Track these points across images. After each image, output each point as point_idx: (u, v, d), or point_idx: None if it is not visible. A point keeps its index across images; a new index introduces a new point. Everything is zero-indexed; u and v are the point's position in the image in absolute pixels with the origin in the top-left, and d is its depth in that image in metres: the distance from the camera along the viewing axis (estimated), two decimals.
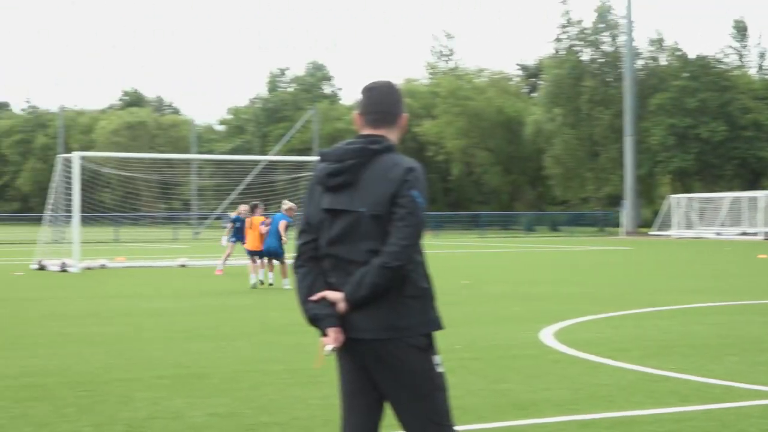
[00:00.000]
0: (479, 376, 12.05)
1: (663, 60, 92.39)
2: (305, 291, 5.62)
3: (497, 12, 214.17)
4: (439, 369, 5.57)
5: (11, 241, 62.24)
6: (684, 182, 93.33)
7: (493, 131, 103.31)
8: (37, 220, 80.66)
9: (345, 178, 5.54)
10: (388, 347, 5.44)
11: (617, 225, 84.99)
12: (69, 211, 38.35)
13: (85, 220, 47.85)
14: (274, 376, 12.07)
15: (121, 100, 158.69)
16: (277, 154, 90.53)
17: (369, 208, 5.46)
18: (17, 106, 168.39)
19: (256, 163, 57.49)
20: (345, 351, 5.61)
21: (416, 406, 5.50)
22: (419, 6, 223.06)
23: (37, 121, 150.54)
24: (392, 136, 5.72)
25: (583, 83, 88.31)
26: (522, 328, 16.92)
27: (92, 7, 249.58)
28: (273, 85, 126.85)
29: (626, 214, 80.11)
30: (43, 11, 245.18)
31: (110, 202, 74.89)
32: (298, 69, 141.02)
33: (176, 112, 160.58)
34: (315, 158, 36.05)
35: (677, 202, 76.16)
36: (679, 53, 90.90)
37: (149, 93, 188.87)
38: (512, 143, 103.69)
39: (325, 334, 5.50)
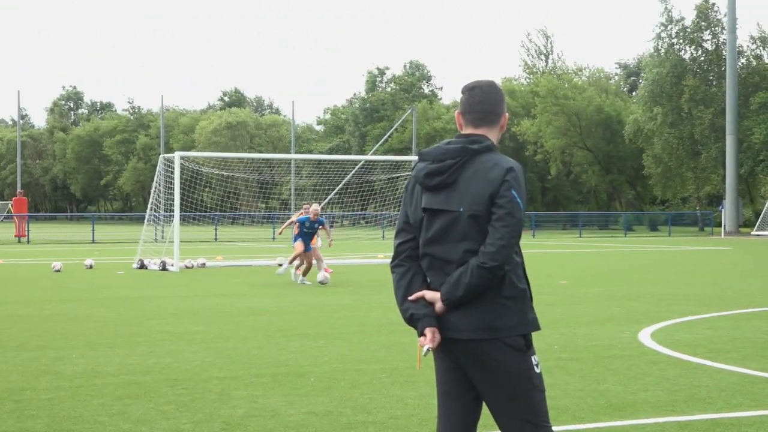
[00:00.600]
0: (577, 376, 11.99)
1: (766, 58, 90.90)
2: (403, 291, 5.62)
3: (596, 10, 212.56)
4: (537, 369, 5.54)
5: (113, 240, 63.17)
6: None
7: (592, 130, 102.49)
8: (139, 219, 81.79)
9: (444, 178, 5.54)
10: (485, 347, 5.43)
11: (718, 225, 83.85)
12: (169, 210, 38.82)
13: (185, 220, 48.43)
14: (372, 375, 12.10)
15: (221, 100, 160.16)
16: (376, 153, 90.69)
17: (467, 207, 5.45)
18: (120, 107, 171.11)
19: (354, 162, 57.60)
20: (442, 351, 5.60)
21: (513, 406, 5.48)
22: (519, 4, 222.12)
23: (139, 121, 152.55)
24: (492, 135, 5.70)
25: (684, 82, 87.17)
26: (620, 328, 16.79)
27: (194, 9, 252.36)
28: (372, 85, 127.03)
29: (726, 213, 78.93)
30: (145, 13, 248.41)
31: (210, 202, 75.69)
32: (397, 68, 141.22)
33: (276, 112, 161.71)
34: (413, 158, 35.91)
35: None
36: None
37: (249, 93, 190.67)
38: (611, 142, 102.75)
39: (422, 334, 5.49)
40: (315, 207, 28.33)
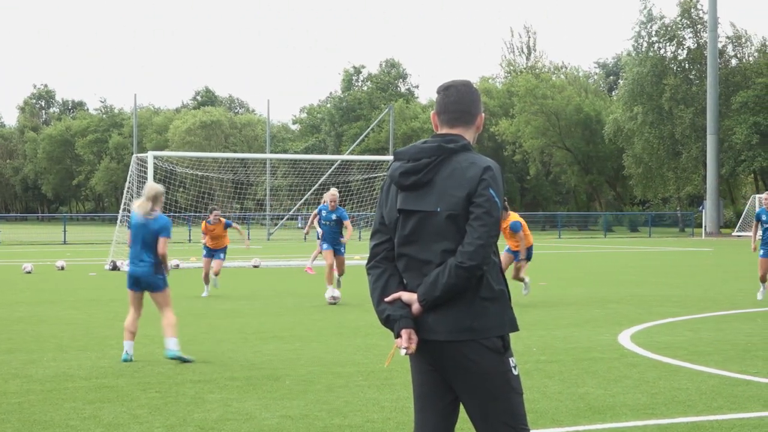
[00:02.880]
0: (556, 379, 11.90)
1: (748, 57, 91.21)
2: (379, 292, 5.56)
3: (574, 9, 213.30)
4: (515, 372, 5.49)
5: (86, 241, 62.98)
6: (767, 181, 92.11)
7: (571, 130, 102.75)
8: (111, 220, 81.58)
9: (420, 177, 5.49)
10: (462, 349, 5.37)
11: (698, 226, 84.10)
12: None
13: None
14: (348, 378, 11.99)
15: (194, 99, 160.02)
16: (352, 153, 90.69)
17: (445, 207, 5.40)
18: (92, 106, 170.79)
19: (330, 162, 57.57)
20: (419, 353, 5.53)
21: (491, 409, 5.43)
22: (494, 4, 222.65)
23: (112, 120, 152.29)
24: (469, 135, 5.66)
25: (664, 81, 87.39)
26: (600, 330, 16.73)
27: (167, 8, 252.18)
28: (348, 84, 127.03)
29: (707, 214, 79.16)
30: (117, 11, 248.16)
31: (184, 202, 75.42)
32: (373, 67, 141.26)
33: (250, 111, 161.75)
34: (390, 158, 35.59)
35: (761, 202, 75.10)
36: (765, 49, 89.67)
37: (224, 92, 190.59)
38: (591, 142, 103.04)
39: (399, 336, 5.43)
40: (332, 192, 23.42)
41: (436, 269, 5.37)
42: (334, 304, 21.67)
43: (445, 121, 5.67)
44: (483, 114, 5.77)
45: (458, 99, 5.67)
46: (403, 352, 5.40)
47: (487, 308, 5.40)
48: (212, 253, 25.41)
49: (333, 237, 22.76)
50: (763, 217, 21.77)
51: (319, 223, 23.33)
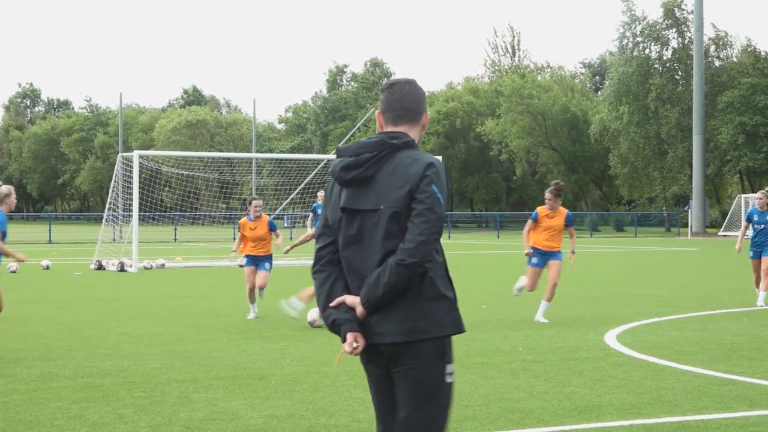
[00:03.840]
0: (542, 378, 11.90)
1: (733, 57, 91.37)
2: (324, 297, 5.53)
3: (559, 8, 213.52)
4: (449, 379, 5.50)
5: (71, 241, 62.83)
6: (753, 181, 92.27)
7: (557, 130, 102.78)
8: (96, 219, 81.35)
9: (361, 172, 5.44)
10: (406, 350, 5.36)
11: (684, 225, 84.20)
12: (128, 210, 38.60)
13: (144, 220, 48.18)
14: (334, 377, 11.97)
15: (181, 98, 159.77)
16: None
17: (387, 205, 5.37)
18: (77, 105, 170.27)
19: (316, 162, 57.44)
20: (371, 362, 5.54)
21: (417, 411, 5.40)
22: (478, 3, 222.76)
23: (97, 119, 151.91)
24: (413, 133, 5.63)
25: (650, 81, 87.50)
26: (586, 330, 16.74)
27: (153, 6, 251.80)
28: (333, 84, 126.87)
29: (693, 214, 79.27)
30: (104, 10, 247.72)
31: (169, 201, 75.32)
32: (357, 66, 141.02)
33: (236, 110, 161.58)
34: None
35: (746, 202, 75.23)
36: (750, 50, 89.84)
37: (211, 91, 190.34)
38: (577, 142, 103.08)
39: (345, 340, 5.41)
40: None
41: (377, 269, 5.34)
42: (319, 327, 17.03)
43: (390, 119, 5.63)
44: (428, 113, 5.75)
45: (402, 97, 5.63)
46: (348, 350, 5.40)
47: (431, 308, 5.37)
48: (255, 261, 19.54)
49: None
50: (755, 218, 21.68)
51: (314, 223, 21.59)
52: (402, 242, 5.30)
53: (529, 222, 18.82)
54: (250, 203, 19.76)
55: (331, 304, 5.47)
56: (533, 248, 18.59)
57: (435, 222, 5.31)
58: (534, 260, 18.62)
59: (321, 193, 30.33)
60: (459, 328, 5.52)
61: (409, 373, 5.38)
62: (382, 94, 5.72)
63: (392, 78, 5.78)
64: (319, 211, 28.81)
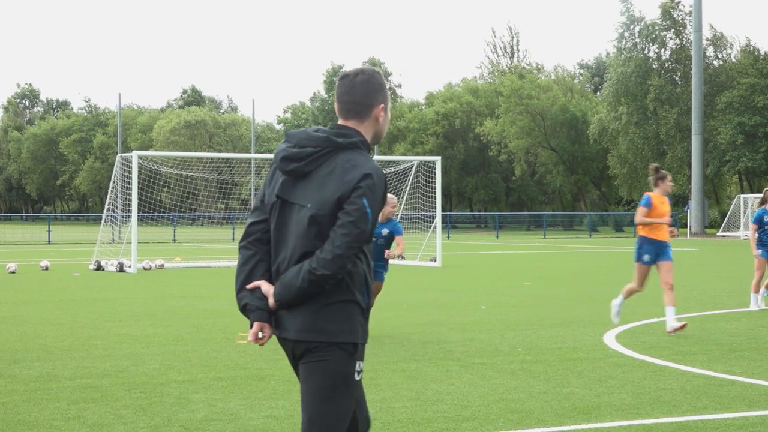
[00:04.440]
0: (541, 379, 11.89)
1: (732, 57, 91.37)
2: (243, 277, 5.52)
3: (558, 9, 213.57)
4: (357, 377, 5.45)
5: (70, 241, 62.73)
6: (752, 182, 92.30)
7: (556, 130, 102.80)
8: (95, 220, 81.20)
9: (300, 166, 5.38)
10: (312, 349, 5.35)
11: (683, 226, 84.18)
12: (127, 210, 38.57)
13: (143, 220, 48.15)
14: None
15: (180, 98, 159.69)
16: None
17: (314, 205, 5.30)
18: (76, 105, 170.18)
19: None
20: (285, 351, 5.55)
21: (317, 405, 5.37)
22: (477, 4, 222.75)
23: (96, 120, 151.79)
24: (364, 129, 5.51)
25: (648, 81, 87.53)
26: (585, 330, 16.72)
27: (152, 6, 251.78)
28: (330, 84, 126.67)
29: (692, 214, 79.24)
30: (104, 10, 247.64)
31: (168, 202, 75.25)
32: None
33: (234, 109, 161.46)
34: (376, 157, 34.94)
35: (745, 202, 75.24)
36: (749, 50, 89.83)
37: (208, 91, 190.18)
38: (576, 142, 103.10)
39: (252, 327, 5.45)
40: (390, 197, 16.30)
41: (293, 268, 5.31)
42: None
43: (339, 111, 5.53)
44: (384, 106, 5.56)
45: (350, 90, 5.50)
46: (252, 342, 5.46)
47: (339, 312, 5.34)
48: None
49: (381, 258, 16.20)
50: (766, 218, 21.30)
51: None
52: (320, 249, 5.25)
53: (644, 210, 16.70)
54: None
55: (248, 287, 5.47)
56: (645, 239, 16.80)
57: (357, 236, 5.22)
58: (646, 257, 16.99)
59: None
60: (361, 338, 5.44)
61: (315, 372, 5.35)
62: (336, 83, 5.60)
63: (349, 68, 5.60)
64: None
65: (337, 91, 5.54)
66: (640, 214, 16.64)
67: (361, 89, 5.48)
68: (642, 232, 16.85)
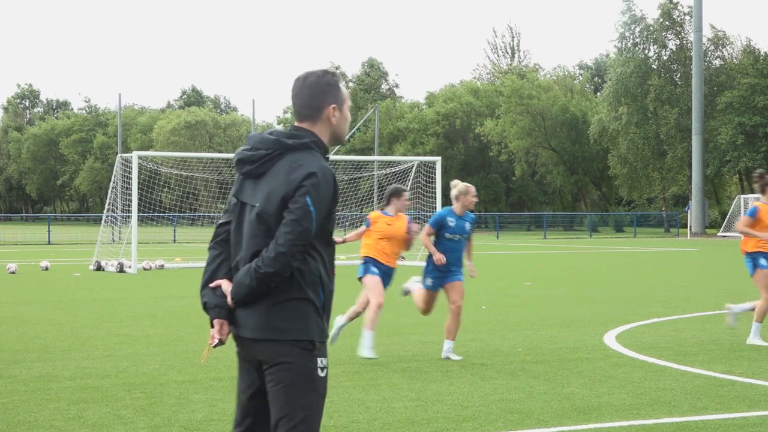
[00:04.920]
0: (541, 379, 11.89)
1: (732, 57, 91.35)
2: (207, 276, 5.67)
3: (559, 9, 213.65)
4: (321, 373, 5.49)
5: (70, 241, 62.75)
6: (753, 182, 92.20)
7: (556, 130, 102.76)
8: (96, 220, 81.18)
9: (253, 168, 5.51)
10: (268, 347, 5.41)
11: (684, 226, 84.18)
12: (127, 211, 38.56)
13: (143, 220, 48.14)
14: (333, 379, 11.92)
15: (180, 99, 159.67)
16: (338, 153, 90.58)
17: (262, 204, 5.42)
18: (77, 106, 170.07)
19: None
20: (239, 349, 5.62)
21: (286, 405, 5.41)
22: (479, 3, 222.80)
23: (96, 120, 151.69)
24: (319, 130, 5.59)
25: (649, 81, 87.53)
26: (585, 331, 16.72)
27: (152, 7, 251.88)
28: None
29: (692, 214, 79.24)
30: (104, 10, 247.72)
31: (168, 202, 75.26)
32: (350, 67, 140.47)
33: (233, 110, 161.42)
34: (376, 158, 34.87)
35: (746, 202, 75.21)
36: (749, 50, 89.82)
37: (208, 92, 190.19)
38: (576, 143, 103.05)
39: (212, 325, 5.54)
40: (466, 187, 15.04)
41: (244, 267, 5.41)
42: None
43: (294, 114, 5.65)
44: (336, 106, 5.62)
45: (298, 93, 5.61)
46: (216, 342, 5.53)
47: (293, 310, 5.41)
48: (381, 270, 14.75)
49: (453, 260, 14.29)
50: None
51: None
52: (266, 248, 5.35)
53: (748, 219, 15.21)
54: (397, 195, 14.70)
55: (211, 285, 5.59)
56: (759, 253, 15.04)
57: (300, 235, 5.30)
58: (763, 261, 15.07)
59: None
60: (321, 335, 5.50)
61: (279, 372, 5.41)
62: None
63: (302, 71, 5.68)
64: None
65: (291, 94, 5.66)
66: (742, 224, 15.23)
67: (309, 92, 5.59)
68: (749, 245, 15.17)
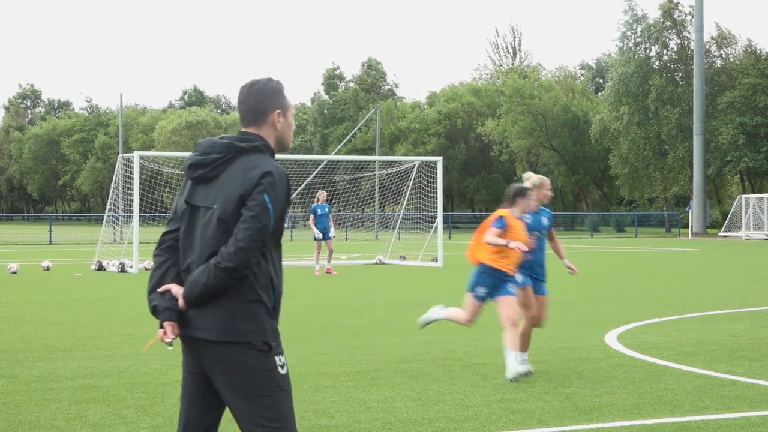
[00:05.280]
0: (542, 379, 11.90)
1: (734, 57, 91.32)
2: (154, 281, 5.67)
3: (560, 9, 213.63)
4: (282, 371, 5.53)
5: (71, 241, 62.74)
6: (754, 182, 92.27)
7: (558, 130, 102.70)
8: (97, 220, 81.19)
9: (206, 172, 5.58)
10: (224, 349, 5.43)
11: (685, 226, 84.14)
12: (128, 211, 38.55)
13: (145, 220, 48.10)
14: (334, 378, 11.97)
15: (182, 99, 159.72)
16: (339, 153, 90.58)
17: (220, 206, 5.48)
18: (78, 106, 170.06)
19: (317, 162, 57.37)
20: (187, 351, 5.65)
21: (250, 407, 5.44)
22: (481, 3, 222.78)
23: (98, 120, 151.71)
24: (265, 134, 5.70)
25: (650, 81, 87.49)
26: (586, 331, 16.72)
27: (154, 7, 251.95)
28: (330, 85, 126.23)
29: (694, 214, 79.21)
30: (105, 10, 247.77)
31: (170, 202, 75.03)
32: (349, 67, 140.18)
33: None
34: (377, 158, 35.02)
35: (747, 202, 75.23)
36: (750, 50, 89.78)
37: (210, 92, 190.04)
38: (577, 143, 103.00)
39: (162, 327, 5.54)
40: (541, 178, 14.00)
41: (200, 267, 5.45)
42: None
43: (240, 120, 5.76)
44: (282, 111, 5.73)
45: (244, 99, 5.75)
46: (168, 342, 5.52)
47: (248, 311, 5.44)
48: (506, 280, 12.59)
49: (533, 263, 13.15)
50: None
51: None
52: (225, 245, 5.40)
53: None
54: (525, 193, 12.72)
55: (159, 290, 5.60)
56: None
57: (258, 231, 5.38)
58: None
59: (320, 194, 30.85)
60: (274, 336, 5.54)
61: (234, 369, 5.43)
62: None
63: (248, 79, 5.83)
64: (319, 212, 29.14)
65: (237, 100, 5.81)
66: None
67: (255, 97, 5.72)
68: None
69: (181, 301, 5.50)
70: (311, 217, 31.50)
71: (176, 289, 5.55)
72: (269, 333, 5.49)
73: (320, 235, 31.31)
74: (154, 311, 5.59)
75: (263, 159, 5.55)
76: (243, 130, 5.72)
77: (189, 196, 5.63)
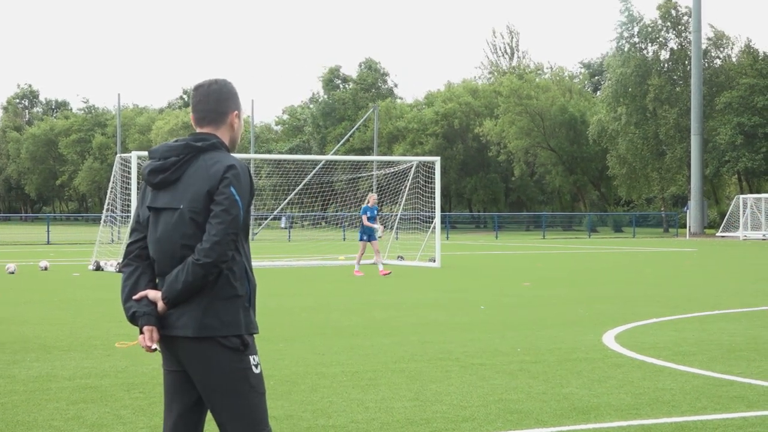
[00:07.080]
0: (540, 379, 11.88)
1: (732, 57, 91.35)
2: (128, 290, 5.70)
3: (557, 9, 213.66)
4: (256, 370, 5.60)
5: (69, 241, 62.72)
6: (752, 182, 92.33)
7: (555, 131, 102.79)
8: (95, 220, 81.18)
9: (167, 176, 5.61)
10: (201, 346, 5.49)
11: (682, 226, 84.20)
12: (126, 211, 38.54)
13: None
14: (332, 378, 11.96)
15: (180, 98, 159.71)
16: (337, 153, 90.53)
17: (187, 204, 5.52)
18: (76, 106, 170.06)
19: (315, 162, 57.30)
20: (166, 351, 5.69)
21: (230, 407, 5.52)
22: (478, 3, 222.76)
23: (95, 120, 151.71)
24: (221, 134, 5.77)
25: (648, 81, 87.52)
26: (584, 331, 16.71)
27: (151, 7, 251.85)
28: (328, 85, 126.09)
29: (691, 214, 79.25)
30: (103, 10, 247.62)
31: None
32: (348, 67, 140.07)
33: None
34: (375, 158, 35.12)
35: (744, 202, 75.27)
36: (748, 50, 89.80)
37: None
38: (575, 143, 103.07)
39: (142, 332, 5.57)
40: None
41: (177, 267, 5.48)
42: None
43: (195, 120, 5.80)
44: (239, 112, 5.84)
45: (203, 99, 5.77)
46: (151, 348, 5.56)
47: (225, 307, 5.51)
48: None
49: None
50: None
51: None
52: (199, 242, 5.45)
53: None
54: None
55: (134, 297, 5.63)
56: None
57: (230, 223, 5.44)
58: None
59: (371, 196, 31.34)
60: (251, 329, 5.63)
61: (211, 368, 5.50)
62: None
63: (202, 80, 5.92)
64: (369, 214, 30.02)
65: (192, 101, 5.83)
66: None
67: (215, 97, 5.77)
68: None
69: (160, 304, 5.54)
70: (363, 218, 31.85)
71: (153, 294, 5.58)
72: (245, 328, 5.55)
73: (382, 234, 32.22)
74: (133, 318, 5.61)
75: (222, 155, 5.60)
76: (198, 130, 5.76)
77: (152, 202, 5.65)
